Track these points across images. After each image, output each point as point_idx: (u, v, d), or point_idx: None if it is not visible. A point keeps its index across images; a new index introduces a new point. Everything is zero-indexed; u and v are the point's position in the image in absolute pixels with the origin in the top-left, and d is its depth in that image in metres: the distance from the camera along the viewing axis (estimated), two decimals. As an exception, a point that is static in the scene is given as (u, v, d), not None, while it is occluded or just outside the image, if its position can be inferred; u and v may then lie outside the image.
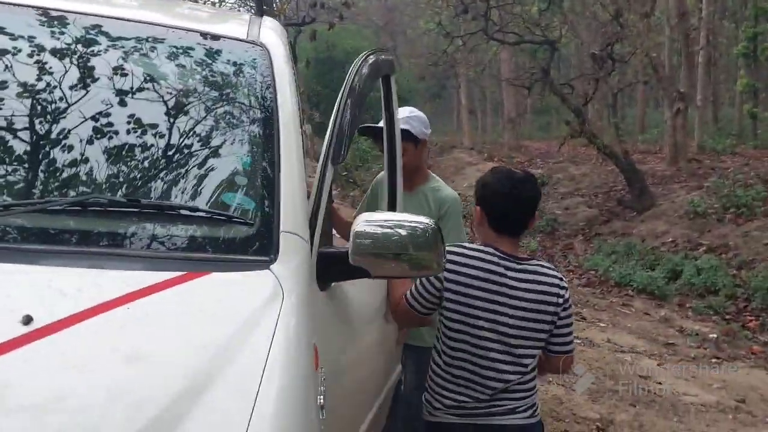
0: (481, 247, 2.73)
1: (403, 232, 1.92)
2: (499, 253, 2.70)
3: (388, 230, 1.91)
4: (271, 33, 2.33)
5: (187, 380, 1.36)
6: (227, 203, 1.87)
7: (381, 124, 3.14)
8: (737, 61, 25.89)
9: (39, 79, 1.92)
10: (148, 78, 2.01)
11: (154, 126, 1.91)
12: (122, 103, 1.92)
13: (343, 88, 2.28)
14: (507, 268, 2.68)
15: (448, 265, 2.60)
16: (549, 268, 2.77)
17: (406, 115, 3.51)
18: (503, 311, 2.65)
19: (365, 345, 2.66)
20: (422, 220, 1.97)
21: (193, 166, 1.91)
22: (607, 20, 15.32)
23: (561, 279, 2.75)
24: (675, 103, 15.83)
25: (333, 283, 2.11)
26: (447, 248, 2.25)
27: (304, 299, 1.73)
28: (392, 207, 3.08)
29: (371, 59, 2.61)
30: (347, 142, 2.20)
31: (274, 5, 16.67)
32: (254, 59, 2.19)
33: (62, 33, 2.08)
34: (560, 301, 2.70)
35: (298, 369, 1.53)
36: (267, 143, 1.98)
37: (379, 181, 3.71)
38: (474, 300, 2.66)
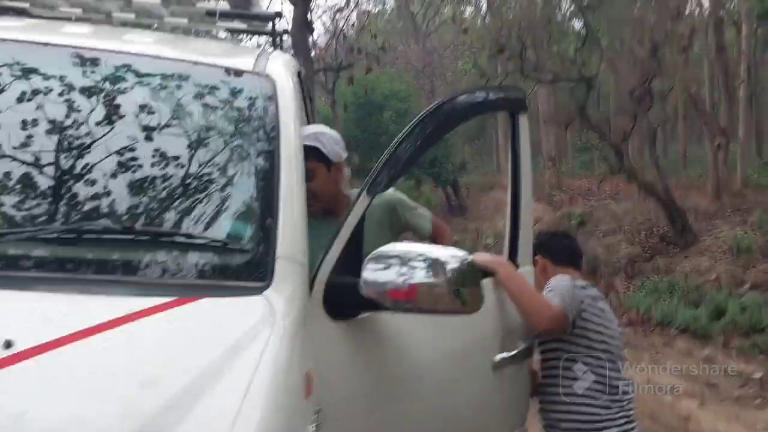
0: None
1: (426, 264, 1.84)
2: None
3: (409, 261, 1.84)
4: (279, 65, 2.34)
5: (165, 402, 1.33)
6: (223, 230, 1.86)
7: None
8: (781, 96, 25.50)
9: (38, 109, 1.94)
10: (146, 107, 2.03)
11: (150, 154, 1.92)
12: (119, 133, 1.94)
13: (411, 123, 2.21)
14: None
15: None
16: None
17: (313, 131, 2.83)
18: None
19: (412, 393, 2.21)
20: (452, 253, 1.89)
21: (190, 194, 1.91)
22: (645, 56, 15.22)
23: None
24: (716, 138, 15.60)
25: (363, 315, 2.02)
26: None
27: (298, 325, 1.70)
28: (512, 255, 2.69)
29: (480, 94, 2.57)
30: (392, 175, 2.15)
31: (313, 52, 16.96)
32: (258, 89, 2.20)
33: (62, 65, 2.11)
34: None
35: (282, 395, 1.50)
36: (267, 172, 1.97)
37: None
38: (605, 313, 2.82)
